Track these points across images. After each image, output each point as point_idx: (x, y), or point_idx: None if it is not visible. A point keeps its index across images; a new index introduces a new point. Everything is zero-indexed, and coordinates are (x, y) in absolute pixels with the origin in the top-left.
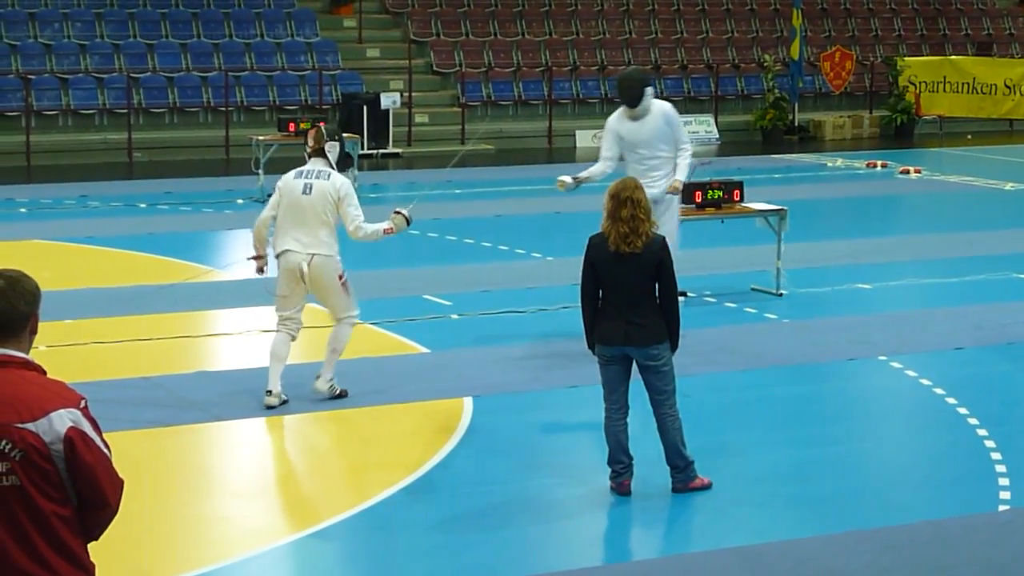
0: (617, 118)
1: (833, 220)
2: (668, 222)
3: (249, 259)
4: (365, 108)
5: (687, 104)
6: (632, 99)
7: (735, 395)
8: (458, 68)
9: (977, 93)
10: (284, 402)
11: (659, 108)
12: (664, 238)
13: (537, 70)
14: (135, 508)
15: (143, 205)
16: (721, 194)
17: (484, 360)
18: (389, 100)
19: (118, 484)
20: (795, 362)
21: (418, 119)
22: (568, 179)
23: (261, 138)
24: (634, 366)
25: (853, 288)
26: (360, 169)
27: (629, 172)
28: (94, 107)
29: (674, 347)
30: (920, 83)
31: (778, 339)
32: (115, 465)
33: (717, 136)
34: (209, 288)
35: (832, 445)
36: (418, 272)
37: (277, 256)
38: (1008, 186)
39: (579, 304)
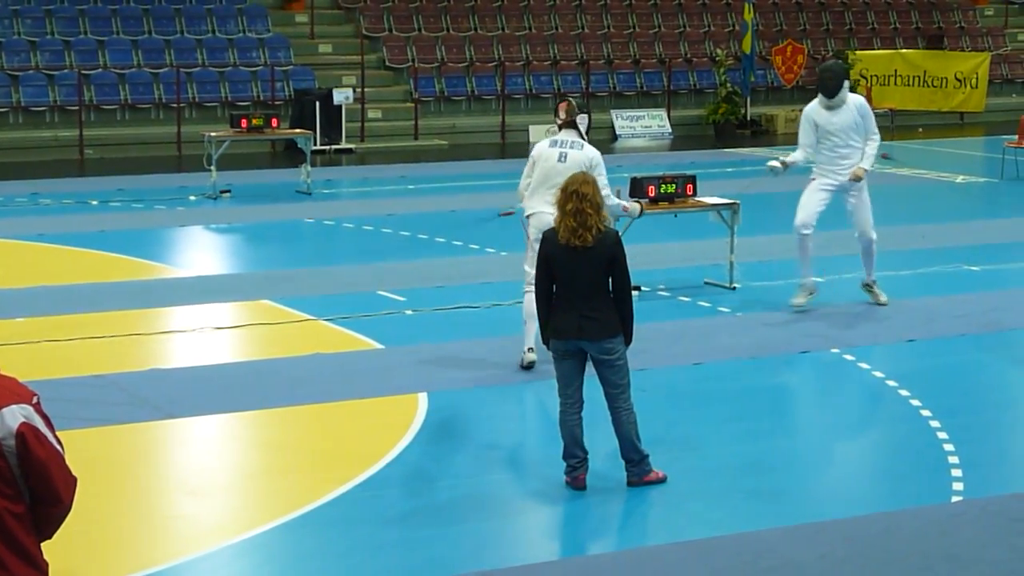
0: (814, 107)
1: (786, 214)
2: (862, 208)
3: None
4: (317, 104)
5: (640, 99)
6: (831, 90)
7: (689, 389)
8: (411, 63)
9: (928, 86)
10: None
11: (854, 100)
12: (618, 232)
13: (490, 65)
14: (88, 506)
15: (95, 202)
16: (674, 188)
17: (438, 356)
18: (342, 96)
19: (71, 481)
20: (749, 355)
21: (371, 114)
22: (778, 164)
23: (213, 134)
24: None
25: None
26: (313, 165)
27: (819, 159)
28: (45, 104)
29: (628, 341)
30: (871, 76)
31: (732, 332)
32: (68, 463)
33: (670, 131)
34: (161, 286)
35: (786, 438)
36: (372, 268)
37: (528, 216)
38: (959, 179)
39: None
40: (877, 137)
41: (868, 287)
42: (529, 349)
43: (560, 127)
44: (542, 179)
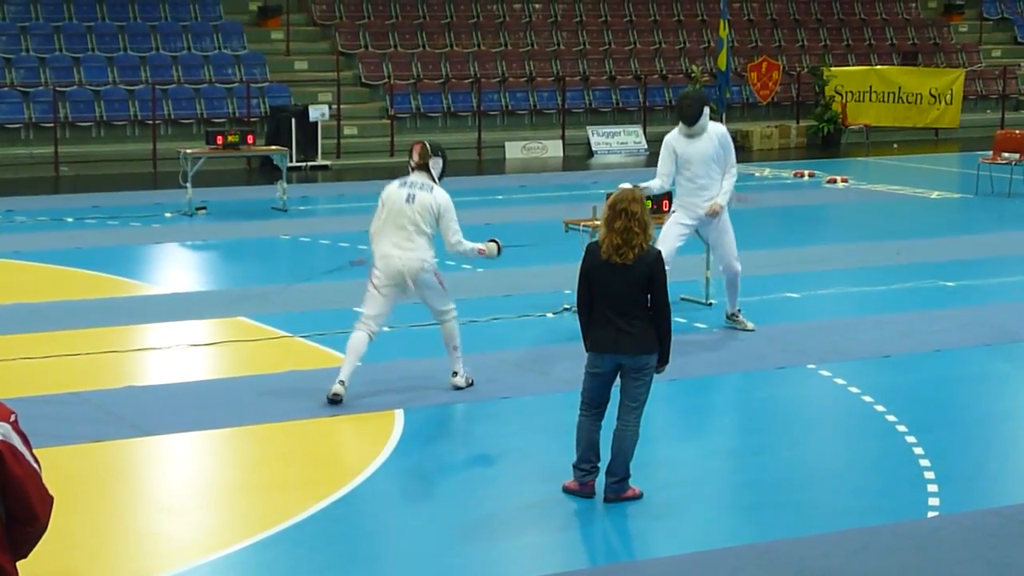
0: (674, 135)
1: (761, 230)
2: (725, 239)
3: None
4: (293, 120)
5: (615, 115)
6: (690, 117)
7: (665, 405)
8: (386, 80)
9: (903, 102)
10: (340, 400)
11: (714, 129)
12: (659, 252)
13: (466, 82)
14: (64, 524)
15: (70, 219)
16: (650, 204)
17: (414, 372)
18: (317, 112)
19: (47, 499)
20: (724, 371)
21: (347, 131)
22: (628, 186)
23: (189, 151)
24: None
25: (782, 297)
26: (289, 182)
27: (679, 189)
28: (20, 121)
29: (664, 360)
30: (846, 93)
31: (708, 348)
32: (44, 481)
33: (646, 147)
34: (137, 303)
35: (762, 454)
36: (348, 284)
37: (376, 260)
38: (934, 194)
39: (513, 316)
40: (735, 171)
41: (732, 316)
42: (340, 382)
43: (413, 169)
44: (389, 220)
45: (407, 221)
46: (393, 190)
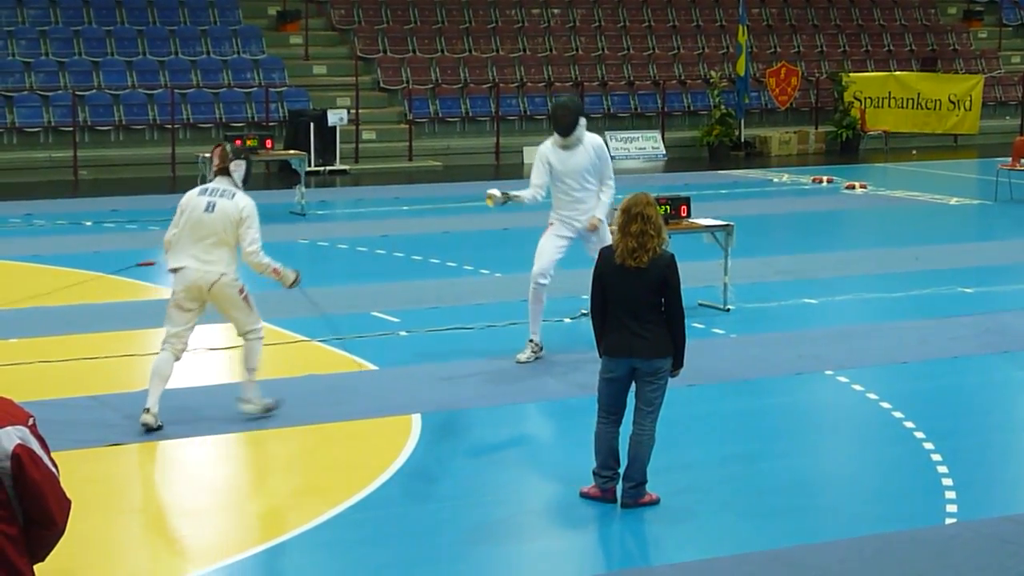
0: (548, 146)
1: (780, 235)
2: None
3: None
4: (312, 125)
5: (634, 120)
6: (565, 128)
7: (682, 410)
8: (405, 85)
9: (922, 108)
10: (160, 427)
11: (590, 140)
12: (672, 256)
13: (484, 86)
14: (81, 527)
15: (89, 223)
16: (668, 210)
17: (432, 377)
18: (336, 117)
19: (65, 503)
20: (742, 377)
21: (365, 136)
22: (497, 193)
23: (207, 155)
24: None
25: (800, 303)
26: (307, 186)
27: (555, 203)
28: (39, 125)
29: (679, 364)
30: (865, 99)
31: (725, 354)
32: (62, 484)
33: (664, 152)
34: (156, 306)
35: (779, 460)
36: (366, 289)
37: (174, 271)
38: (953, 201)
39: (524, 323)
40: (612, 184)
41: None
42: (146, 410)
43: (214, 174)
44: (189, 231)
45: (207, 232)
46: (193, 198)
